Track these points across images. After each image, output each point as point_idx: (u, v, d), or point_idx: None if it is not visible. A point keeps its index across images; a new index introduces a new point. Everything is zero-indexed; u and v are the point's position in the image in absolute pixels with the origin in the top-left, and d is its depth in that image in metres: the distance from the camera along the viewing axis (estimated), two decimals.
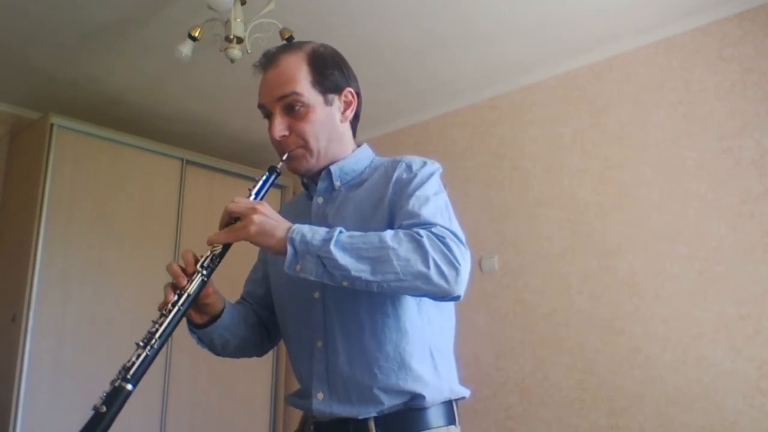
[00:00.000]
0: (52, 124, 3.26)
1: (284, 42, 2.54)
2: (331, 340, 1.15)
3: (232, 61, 2.47)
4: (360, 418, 1.10)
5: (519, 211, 3.18)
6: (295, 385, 1.25)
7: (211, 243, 1.09)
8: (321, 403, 1.14)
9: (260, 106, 1.23)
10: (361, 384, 1.11)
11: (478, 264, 3.21)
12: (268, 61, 1.23)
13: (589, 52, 3.03)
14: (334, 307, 1.15)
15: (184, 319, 1.12)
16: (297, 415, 1.28)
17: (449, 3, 2.66)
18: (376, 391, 1.10)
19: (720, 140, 2.61)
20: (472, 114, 3.49)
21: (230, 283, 1.43)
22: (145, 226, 3.53)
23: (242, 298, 1.36)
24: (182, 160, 3.77)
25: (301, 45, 1.26)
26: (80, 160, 3.35)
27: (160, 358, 3.56)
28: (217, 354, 1.28)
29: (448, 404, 1.16)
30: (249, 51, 2.51)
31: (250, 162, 4.22)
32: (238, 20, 2.45)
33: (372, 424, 1.10)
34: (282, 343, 1.33)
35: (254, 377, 3.85)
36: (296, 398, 1.22)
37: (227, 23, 2.45)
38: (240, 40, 2.45)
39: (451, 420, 1.15)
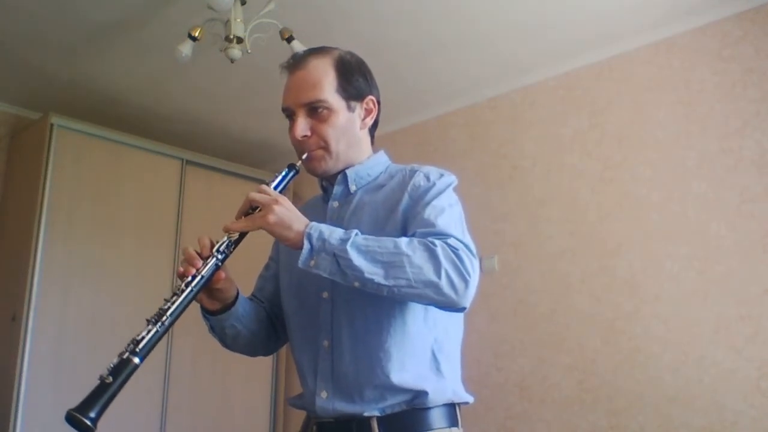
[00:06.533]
0: (52, 124, 3.26)
1: (284, 41, 2.55)
2: (338, 340, 1.16)
3: (232, 61, 2.47)
4: (364, 415, 1.11)
5: (519, 211, 3.18)
6: (295, 387, 1.26)
7: (228, 231, 1.10)
8: (324, 401, 1.15)
9: (284, 109, 1.25)
10: (364, 383, 1.12)
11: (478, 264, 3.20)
12: (296, 62, 1.26)
13: (589, 52, 3.02)
14: (342, 308, 1.17)
15: (197, 318, 1.11)
16: (297, 416, 1.29)
17: (449, 3, 2.66)
18: (379, 390, 1.11)
19: (720, 140, 2.61)
20: (472, 114, 3.49)
21: (241, 281, 1.43)
22: (145, 226, 3.53)
23: (252, 295, 1.37)
24: (182, 160, 3.77)
25: (329, 50, 1.29)
26: (80, 160, 3.35)
27: (160, 359, 3.57)
28: (226, 346, 1.29)
29: (451, 407, 1.17)
30: (249, 51, 2.51)
31: (250, 162, 4.22)
32: (238, 20, 2.45)
33: (375, 424, 1.11)
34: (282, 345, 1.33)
35: (254, 379, 3.84)
36: (298, 399, 1.23)
37: (227, 23, 2.46)
38: (240, 40, 2.45)
39: (453, 422, 1.16)
